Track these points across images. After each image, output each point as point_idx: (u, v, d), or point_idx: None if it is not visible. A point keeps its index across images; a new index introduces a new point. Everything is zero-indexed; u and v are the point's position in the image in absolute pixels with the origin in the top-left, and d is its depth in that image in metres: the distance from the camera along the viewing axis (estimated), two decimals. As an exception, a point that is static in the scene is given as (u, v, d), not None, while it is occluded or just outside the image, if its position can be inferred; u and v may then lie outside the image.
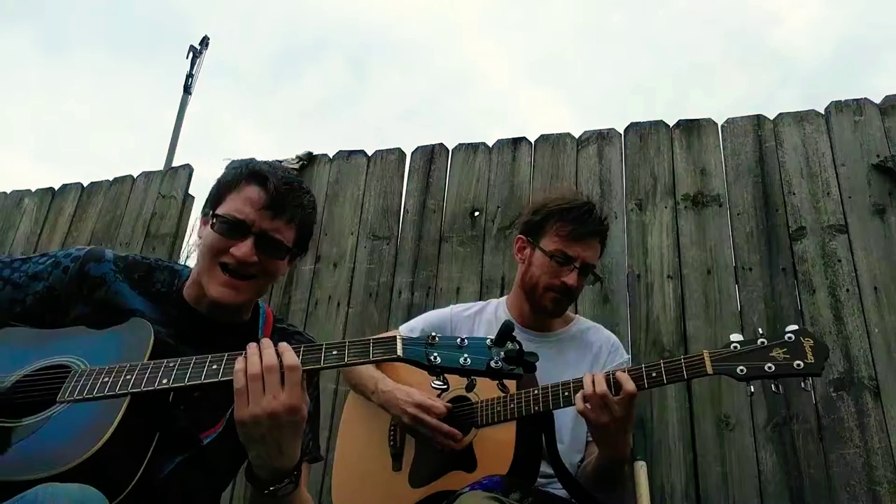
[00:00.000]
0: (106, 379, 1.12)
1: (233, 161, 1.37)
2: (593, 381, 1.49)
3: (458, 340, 1.13)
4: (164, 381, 1.11)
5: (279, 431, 1.07)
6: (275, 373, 1.07)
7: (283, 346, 1.12)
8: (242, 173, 1.32)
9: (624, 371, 1.51)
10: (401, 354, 1.12)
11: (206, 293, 1.31)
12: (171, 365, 1.13)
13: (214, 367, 1.13)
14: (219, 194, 1.33)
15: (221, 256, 1.28)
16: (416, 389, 1.70)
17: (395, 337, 1.14)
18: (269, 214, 1.29)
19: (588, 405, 1.49)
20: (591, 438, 1.74)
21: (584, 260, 1.81)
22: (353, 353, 1.13)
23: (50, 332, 1.29)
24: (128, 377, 1.12)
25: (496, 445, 1.61)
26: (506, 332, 1.12)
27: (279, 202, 1.29)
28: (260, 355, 1.10)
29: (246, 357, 1.10)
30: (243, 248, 1.27)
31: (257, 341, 1.36)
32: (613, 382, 1.49)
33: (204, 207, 1.37)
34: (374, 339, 1.15)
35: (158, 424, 1.13)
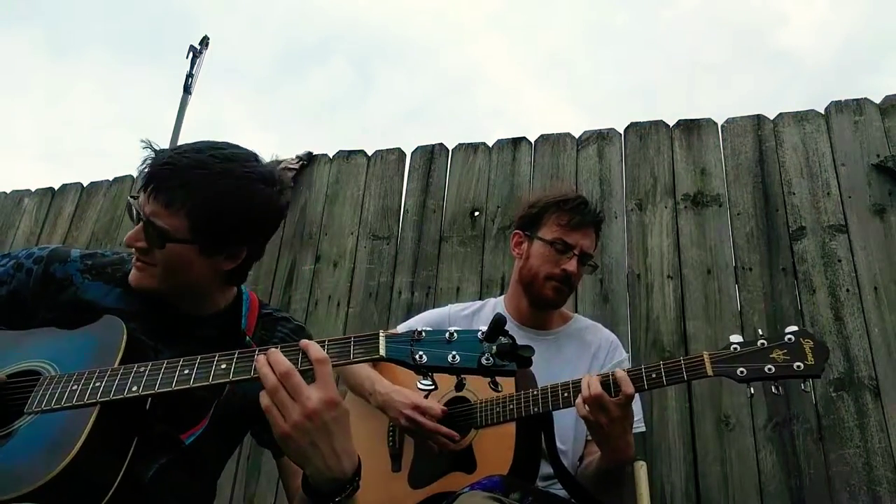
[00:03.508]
0: (75, 387, 1.06)
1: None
2: (589, 384, 1.48)
3: (447, 335, 1.04)
4: (134, 388, 1.05)
5: (327, 431, 0.99)
6: (293, 375, 1.00)
7: (304, 342, 1.04)
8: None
9: (624, 371, 1.50)
10: (383, 354, 1.03)
11: None
12: (142, 370, 1.07)
13: (186, 371, 1.06)
14: None
15: None
16: (413, 391, 1.69)
17: (377, 334, 1.06)
18: (145, 198, 1.21)
19: (586, 408, 1.49)
20: (590, 438, 1.75)
21: (582, 248, 1.83)
22: (332, 353, 1.05)
23: (20, 333, 1.23)
24: (97, 384, 1.05)
25: (496, 446, 1.61)
26: (497, 326, 1.03)
27: (150, 184, 1.20)
28: (270, 365, 1.02)
29: (260, 374, 1.03)
30: (130, 233, 1.22)
31: (239, 331, 1.33)
32: (613, 383, 1.48)
33: None
34: (355, 338, 1.06)
35: (135, 429, 1.08)
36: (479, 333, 1.04)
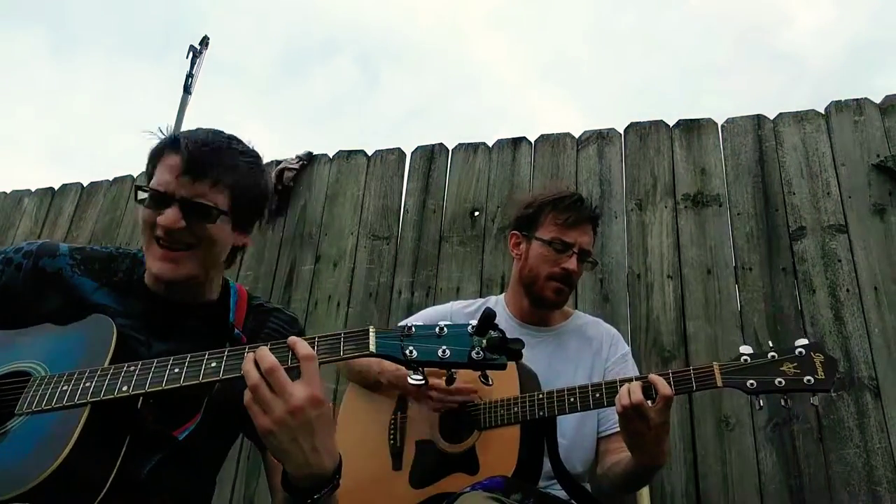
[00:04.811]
0: (65, 387, 1.06)
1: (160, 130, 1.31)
2: (630, 392, 1.44)
3: (437, 329, 1.05)
4: (125, 388, 1.05)
5: (309, 428, 0.99)
6: (277, 371, 1.00)
7: (292, 339, 1.05)
8: (163, 142, 1.27)
9: (663, 374, 1.47)
10: (374, 350, 1.03)
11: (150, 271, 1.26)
12: (132, 369, 1.08)
13: (176, 370, 1.06)
14: (149, 169, 1.28)
15: (154, 230, 1.23)
16: None
17: (367, 330, 1.06)
18: (188, 180, 1.23)
19: (624, 414, 1.45)
20: (602, 435, 1.76)
21: (581, 246, 1.83)
22: (322, 350, 1.05)
23: (9, 333, 1.23)
24: (87, 384, 1.06)
25: (500, 448, 1.61)
26: (487, 321, 1.03)
27: (197, 165, 1.23)
28: (255, 362, 1.02)
29: (244, 371, 1.03)
30: (168, 216, 1.21)
31: (228, 323, 1.33)
32: (645, 388, 1.45)
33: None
34: (345, 334, 1.06)
35: (127, 428, 1.08)
36: (469, 328, 1.04)
